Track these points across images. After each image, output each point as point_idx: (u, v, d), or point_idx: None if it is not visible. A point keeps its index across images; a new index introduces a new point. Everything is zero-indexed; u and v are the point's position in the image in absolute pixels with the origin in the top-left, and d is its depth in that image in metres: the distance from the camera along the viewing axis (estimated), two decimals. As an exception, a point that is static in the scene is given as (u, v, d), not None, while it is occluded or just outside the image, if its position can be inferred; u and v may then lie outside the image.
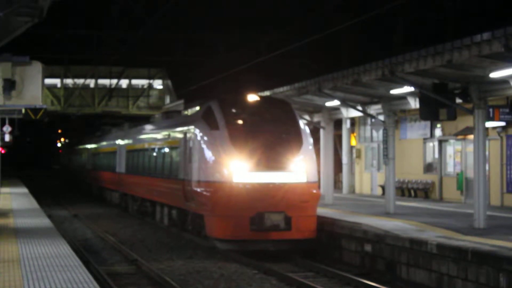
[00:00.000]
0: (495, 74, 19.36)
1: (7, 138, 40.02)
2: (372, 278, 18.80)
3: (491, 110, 26.59)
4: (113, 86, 60.45)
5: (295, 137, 23.25)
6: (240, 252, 21.94)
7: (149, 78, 65.11)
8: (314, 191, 22.70)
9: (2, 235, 20.75)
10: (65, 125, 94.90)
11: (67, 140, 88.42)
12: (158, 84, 65.62)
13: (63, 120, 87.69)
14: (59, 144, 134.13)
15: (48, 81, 60.76)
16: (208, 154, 22.83)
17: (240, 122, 23.48)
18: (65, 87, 63.73)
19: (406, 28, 41.71)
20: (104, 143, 46.75)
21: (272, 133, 23.07)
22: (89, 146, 54.59)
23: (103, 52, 49.45)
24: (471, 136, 28.77)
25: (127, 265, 20.84)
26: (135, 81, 65.51)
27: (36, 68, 17.32)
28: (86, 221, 33.87)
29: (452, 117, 22.19)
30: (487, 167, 24.20)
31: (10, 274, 14.20)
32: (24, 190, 48.16)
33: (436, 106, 21.78)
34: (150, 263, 20.75)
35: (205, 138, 23.18)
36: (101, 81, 63.92)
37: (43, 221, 25.49)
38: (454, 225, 21.31)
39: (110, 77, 61.44)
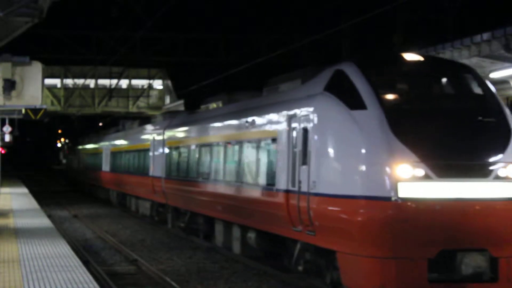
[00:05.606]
0: (495, 74, 19.38)
1: (7, 138, 40.04)
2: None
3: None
4: (113, 86, 60.48)
5: (498, 122, 14.17)
6: None
7: (149, 78, 65.15)
8: None
9: (2, 235, 20.76)
10: (68, 124, 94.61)
11: (74, 138, 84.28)
12: (158, 84, 65.66)
13: (63, 120, 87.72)
14: (59, 144, 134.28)
15: (48, 81, 60.78)
16: (347, 150, 14.06)
17: (401, 96, 14.64)
18: (65, 87, 63.79)
19: (406, 28, 41.73)
20: (130, 139, 37.99)
21: (458, 115, 14.19)
22: (106, 143, 46.22)
23: (103, 52, 49.47)
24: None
25: (127, 265, 20.84)
26: (135, 81, 65.55)
27: (36, 68, 17.31)
28: (86, 221, 33.86)
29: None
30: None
31: (10, 274, 14.20)
32: (24, 190, 48.18)
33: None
34: (150, 263, 20.74)
35: (339, 123, 14.35)
36: (101, 81, 63.95)
37: (43, 221, 25.51)
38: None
39: (110, 77, 61.47)
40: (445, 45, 18.87)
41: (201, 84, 41.36)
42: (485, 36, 17.43)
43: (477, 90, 14.87)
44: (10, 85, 17.05)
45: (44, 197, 50.85)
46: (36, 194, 47.37)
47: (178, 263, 21.06)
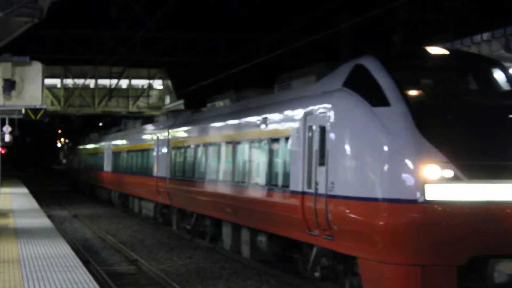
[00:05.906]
0: (495, 74, 19.39)
1: (7, 138, 40.05)
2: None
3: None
4: (113, 86, 60.51)
5: None
6: None
7: (149, 78, 65.18)
8: None
9: (2, 235, 20.75)
10: (68, 124, 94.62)
11: (74, 138, 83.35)
12: (158, 84, 65.70)
13: (63, 120, 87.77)
14: (59, 144, 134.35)
15: (48, 81, 60.81)
16: (368, 149, 13.04)
17: (427, 92, 13.62)
18: (65, 87, 63.84)
19: (406, 28, 41.80)
20: (133, 139, 37.15)
21: (488, 112, 13.13)
22: (108, 143, 45.40)
23: (103, 52, 49.50)
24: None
25: (127, 265, 20.84)
26: (135, 81, 65.59)
27: (36, 68, 17.32)
28: (86, 221, 33.87)
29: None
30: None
31: (10, 274, 14.20)
32: (24, 190, 48.17)
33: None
34: (150, 263, 20.74)
35: (359, 121, 13.36)
36: (101, 81, 63.99)
37: (43, 221, 25.50)
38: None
39: (110, 77, 61.52)
40: (445, 45, 18.88)
41: (201, 84, 41.40)
42: (485, 36, 17.46)
43: (507, 86, 13.89)
44: (10, 85, 17.06)
45: (44, 197, 50.86)
46: (36, 194, 47.37)
47: (178, 263, 21.05)
